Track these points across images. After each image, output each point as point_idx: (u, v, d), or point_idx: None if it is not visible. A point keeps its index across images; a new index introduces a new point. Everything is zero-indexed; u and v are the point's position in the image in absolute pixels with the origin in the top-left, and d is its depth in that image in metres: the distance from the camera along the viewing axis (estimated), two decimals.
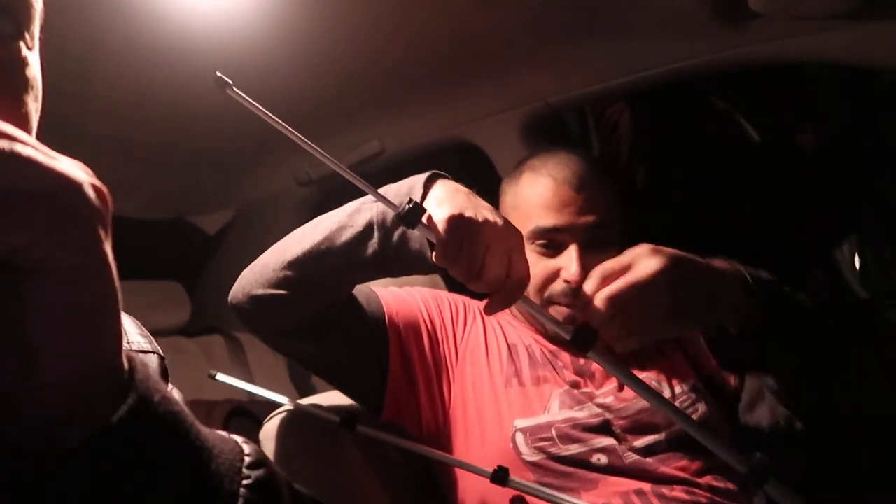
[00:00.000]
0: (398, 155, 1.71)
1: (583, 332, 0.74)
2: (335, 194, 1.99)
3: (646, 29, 1.17)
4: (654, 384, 1.01)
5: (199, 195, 2.04)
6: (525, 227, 1.00)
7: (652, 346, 1.06)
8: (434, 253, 0.75)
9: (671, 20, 1.11)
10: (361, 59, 1.35)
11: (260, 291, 0.91)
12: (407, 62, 1.37)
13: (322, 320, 0.94)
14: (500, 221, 0.76)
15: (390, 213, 0.81)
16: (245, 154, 1.81)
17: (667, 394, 1.00)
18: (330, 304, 0.94)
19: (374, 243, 0.83)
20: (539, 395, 0.99)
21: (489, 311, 0.78)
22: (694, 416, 0.97)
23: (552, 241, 1.01)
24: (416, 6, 1.17)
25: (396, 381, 0.99)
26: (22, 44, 0.44)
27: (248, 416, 1.75)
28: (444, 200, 0.77)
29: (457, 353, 1.05)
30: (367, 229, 0.84)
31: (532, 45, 1.30)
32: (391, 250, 0.83)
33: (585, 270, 0.93)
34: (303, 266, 0.88)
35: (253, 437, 1.17)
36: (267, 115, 0.73)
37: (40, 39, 0.50)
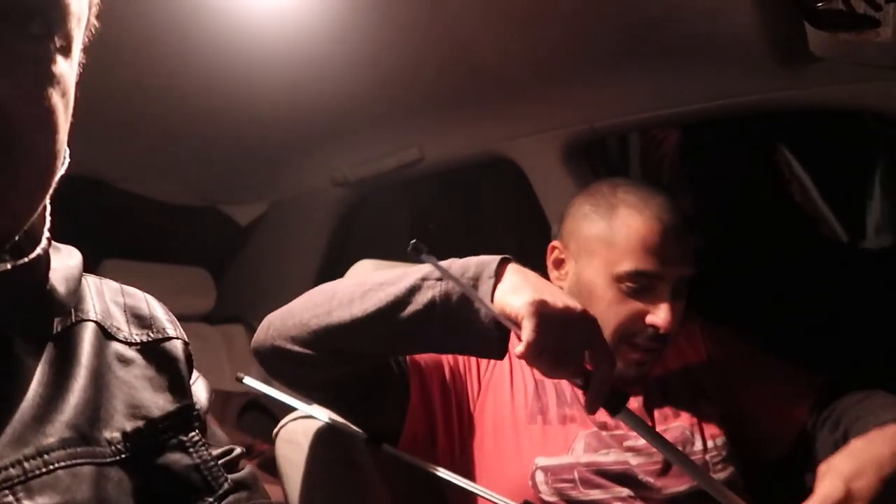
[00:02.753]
0: (436, 164, 1.71)
1: (615, 395, 0.76)
2: (369, 197, 2.00)
3: (702, 61, 1.15)
4: (686, 433, 0.99)
5: (234, 186, 2.06)
6: (618, 265, 0.97)
7: (687, 396, 1.04)
8: (515, 343, 0.73)
9: (730, 55, 1.10)
10: (408, 67, 1.35)
11: (294, 348, 0.85)
12: (453, 74, 1.37)
13: (349, 375, 0.91)
14: (579, 308, 0.75)
15: (455, 294, 0.77)
16: (283, 149, 1.82)
17: (698, 446, 0.98)
18: (365, 366, 0.91)
19: (435, 325, 0.79)
20: (564, 434, 0.97)
21: (591, 409, 0.76)
22: (722, 475, 0.96)
23: (643, 285, 0.97)
24: (466, 21, 1.17)
25: (415, 416, 0.95)
26: (52, 45, 0.46)
27: (263, 410, 1.76)
28: (522, 287, 0.75)
29: (479, 385, 1.02)
30: (429, 309, 0.78)
31: (582, 67, 1.29)
32: (453, 334, 0.79)
33: (674, 318, 0.94)
34: (349, 334, 0.82)
35: (267, 432, 1.17)
36: None
37: (84, 52, 0.52)
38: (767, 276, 1.52)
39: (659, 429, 0.98)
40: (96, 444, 0.49)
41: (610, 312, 0.97)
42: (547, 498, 0.92)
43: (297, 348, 0.85)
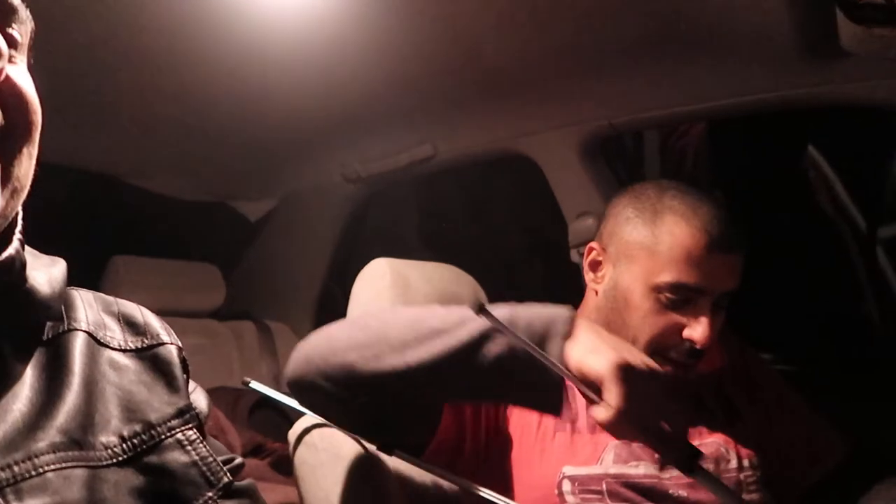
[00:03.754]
0: (449, 160, 1.69)
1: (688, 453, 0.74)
2: (381, 194, 1.98)
3: (725, 56, 1.13)
4: (721, 450, 0.96)
5: (244, 182, 2.05)
6: (659, 274, 0.93)
7: (720, 413, 1.01)
8: (597, 408, 0.71)
9: (755, 49, 1.07)
10: (421, 63, 1.34)
11: (337, 390, 0.82)
12: (467, 69, 1.35)
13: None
14: (660, 368, 0.73)
15: (520, 350, 0.73)
16: (294, 145, 1.80)
17: (733, 464, 0.95)
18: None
19: (497, 380, 0.76)
20: (594, 443, 0.94)
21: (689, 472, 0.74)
22: (754, 496, 0.94)
23: (683, 298, 0.93)
24: (480, 16, 1.14)
25: (445, 432, 0.92)
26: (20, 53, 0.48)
27: (274, 408, 1.74)
28: (600, 347, 0.72)
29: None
30: (492, 365, 0.75)
31: (600, 62, 1.27)
32: (516, 389, 0.77)
33: (712, 334, 0.91)
34: (401, 382, 0.79)
35: (278, 430, 1.16)
36: None
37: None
38: (788, 273, 1.51)
39: (693, 444, 0.97)
40: (90, 449, 0.50)
41: (646, 323, 0.94)
42: None
43: (340, 390, 0.81)
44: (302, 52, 1.29)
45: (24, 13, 0.50)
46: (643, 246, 0.95)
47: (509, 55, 1.27)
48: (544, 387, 0.74)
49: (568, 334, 0.75)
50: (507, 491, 0.93)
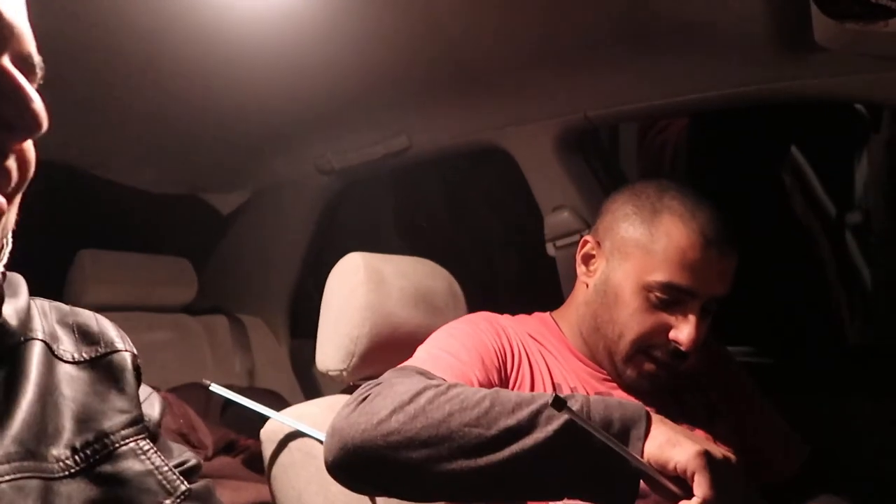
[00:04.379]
0: (425, 152, 1.67)
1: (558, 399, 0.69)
2: (356, 185, 1.96)
3: (701, 49, 1.12)
4: None
5: (215, 174, 2.01)
6: (651, 273, 0.93)
7: (702, 414, 1.02)
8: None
9: (730, 43, 1.07)
10: (396, 54, 1.32)
11: (400, 476, 0.75)
12: (442, 61, 1.34)
13: None
14: (733, 455, 0.74)
15: (598, 445, 0.70)
16: (267, 137, 1.78)
17: None
18: None
19: (572, 475, 0.72)
20: None
21: None
22: None
23: (673, 299, 0.94)
24: (455, 8, 1.13)
25: None
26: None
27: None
28: (681, 440, 0.71)
29: (507, 373, 0.97)
30: (572, 459, 0.72)
31: (575, 55, 1.26)
32: (588, 484, 0.72)
33: (698, 337, 0.92)
34: (470, 483, 0.74)
35: (251, 427, 1.14)
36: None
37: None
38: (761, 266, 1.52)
39: None
40: (43, 460, 0.50)
41: (633, 320, 0.95)
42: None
43: (405, 477, 0.75)
44: (275, 44, 1.27)
45: (39, 65, 0.50)
46: (639, 244, 0.96)
47: (484, 47, 1.26)
48: (618, 480, 0.71)
49: (647, 434, 0.73)
50: None
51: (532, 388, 0.97)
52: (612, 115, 1.36)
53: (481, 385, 0.91)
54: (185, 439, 1.37)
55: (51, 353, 0.56)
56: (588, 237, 1.04)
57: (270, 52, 1.31)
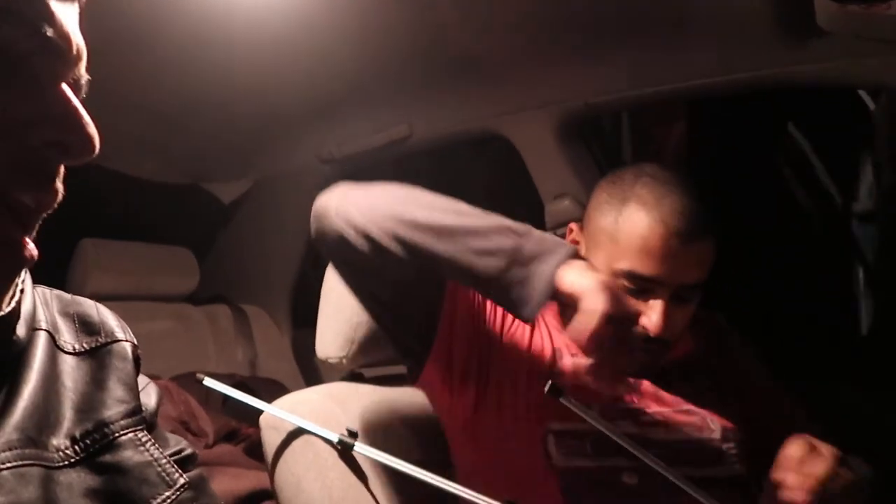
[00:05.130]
0: (426, 140, 1.66)
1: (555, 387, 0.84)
2: (358, 174, 1.95)
3: (703, 35, 1.12)
4: (706, 420, 0.99)
5: (217, 163, 2.01)
6: (617, 261, 0.95)
7: (706, 387, 1.03)
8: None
9: (732, 28, 1.06)
10: (396, 42, 1.32)
11: (370, 231, 0.90)
12: (442, 50, 1.33)
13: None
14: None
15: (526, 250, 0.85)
16: (268, 125, 1.77)
17: (717, 434, 0.98)
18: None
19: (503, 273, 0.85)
20: (579, 401, 0.96)
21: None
22: (736, 469, 0.96)
23: (640, 288, 0.95)
24: None
25: (439, 347, 0.99)
26: None
27: (249, 391, 1.72)
28: (589, 274, 0.83)
29: (500, 331, 1.02)
30: (499, 267, 0.85)
31: (576, 41, 1.25)
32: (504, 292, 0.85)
33: (667, 324, 0.93)
34: (431, 254, 0.88)
35: (253, 415, 1.14)
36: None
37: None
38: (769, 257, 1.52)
39: (680, 413, 0.99)
40: (44, 449, 0.50)
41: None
42: (558, 463, 0.92)
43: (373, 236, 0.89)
44: (276, 33, 1.27)
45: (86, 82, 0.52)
46: (606, 232, 0.97)
47: (483, 34, 1.25)
48: (529, 296, 0.84)
49: (563, 262, 0.84)
50: (496, 447, 0.97)
51: (531, 343, 1.02)
52: (613, 101, 1.35)
53: (479, 306, 1.02)
54: (186, 427, 1.37)
55: (54, 344, 0.56)
56: (573, 224, 1.06)
57: (272, 42, 1.30)
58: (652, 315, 0.93)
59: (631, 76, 1.28)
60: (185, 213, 2.16)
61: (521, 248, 0.85)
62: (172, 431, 1.30)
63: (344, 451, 0.96)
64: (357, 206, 0.91)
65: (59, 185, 0.50)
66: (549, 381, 0.82)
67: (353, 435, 0.96)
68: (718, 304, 1.14)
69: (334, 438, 0.96)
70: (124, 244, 1.87)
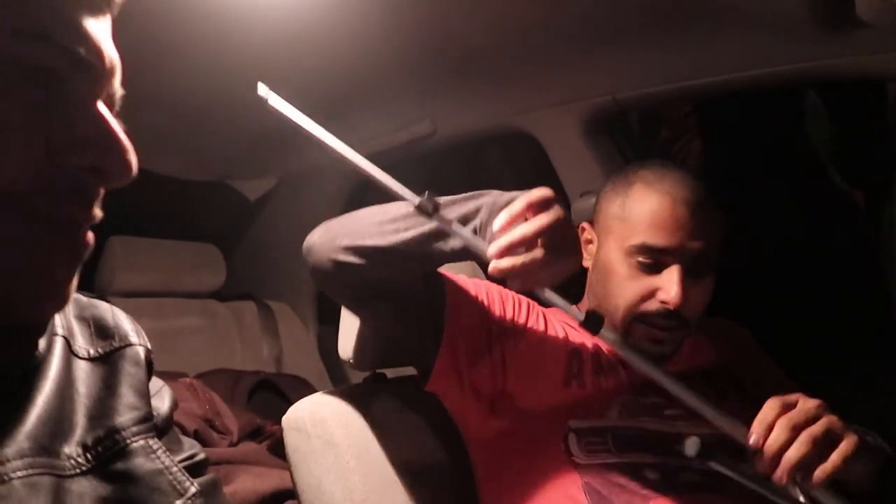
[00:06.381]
0: (450, 137, 1.65)
1: (593, 315, 0.83)
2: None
3: (734, 27, 1.08)
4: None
5: (243, 160, 2.01)
6: (629, 239, 0.98)
7: (730, 391, 1.04)
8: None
9: (766, 20, 1.02)
10: (421, 38, 1.30)
11: (347, 258, 0.97)
12: (467, 44, 1.31)
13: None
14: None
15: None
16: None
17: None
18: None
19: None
20: (600, 399, 0.98)
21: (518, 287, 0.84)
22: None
23: (654, 261, 0.97)
24: None
25: (448, 347, 0.98)
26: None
27: (274, 390, 1.73)
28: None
29: (513, 319, 1.03)
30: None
31: (604, 35, 1.22)
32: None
33: (685, 295, 0.94)
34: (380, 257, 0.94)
35: (278, 412, 1.14)
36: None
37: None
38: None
39: None
40: (56, 458, 0.49)
41: (623, 288, 0.99)
42: (579, 461, 0.92)
43: (350, 258, 0.97)
44: (299, 29, 1.26)
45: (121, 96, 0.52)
46: (616, 216, 1.01)
47: (510, 29, 1.23)
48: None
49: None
50: (514, 447, 0.97)
51: (546, 342, 1.02)
52: (642, 97, 1.32)
53: (487, 298, 1.03)
54: (211, 425, 1.38)
55: (69, 350, 0.55)
56: (584, 224, 1.10)
57: (295, 39, 1.30)
58: (669, 287, 0.95)
59: (661, 71, 1.25)
60: (212, 210, 2.17)
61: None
62: (197, 429, 1.31)
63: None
64: (322, 238, 1.02)
65: (98, 211, 0.49)
66: (586, 312, 0.83)
67: None
68: (743, 313, 1.15)
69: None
70: (152, 241, 1.89)
